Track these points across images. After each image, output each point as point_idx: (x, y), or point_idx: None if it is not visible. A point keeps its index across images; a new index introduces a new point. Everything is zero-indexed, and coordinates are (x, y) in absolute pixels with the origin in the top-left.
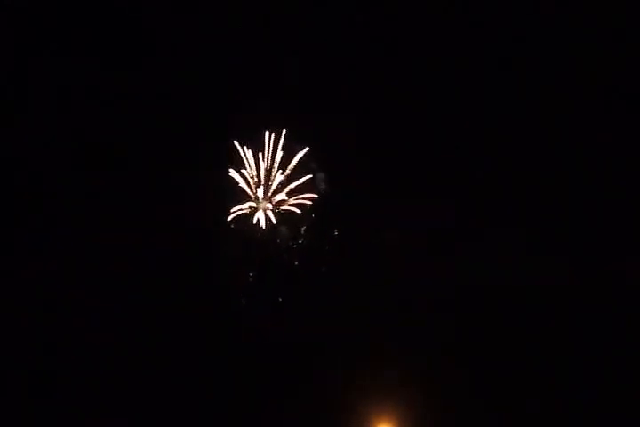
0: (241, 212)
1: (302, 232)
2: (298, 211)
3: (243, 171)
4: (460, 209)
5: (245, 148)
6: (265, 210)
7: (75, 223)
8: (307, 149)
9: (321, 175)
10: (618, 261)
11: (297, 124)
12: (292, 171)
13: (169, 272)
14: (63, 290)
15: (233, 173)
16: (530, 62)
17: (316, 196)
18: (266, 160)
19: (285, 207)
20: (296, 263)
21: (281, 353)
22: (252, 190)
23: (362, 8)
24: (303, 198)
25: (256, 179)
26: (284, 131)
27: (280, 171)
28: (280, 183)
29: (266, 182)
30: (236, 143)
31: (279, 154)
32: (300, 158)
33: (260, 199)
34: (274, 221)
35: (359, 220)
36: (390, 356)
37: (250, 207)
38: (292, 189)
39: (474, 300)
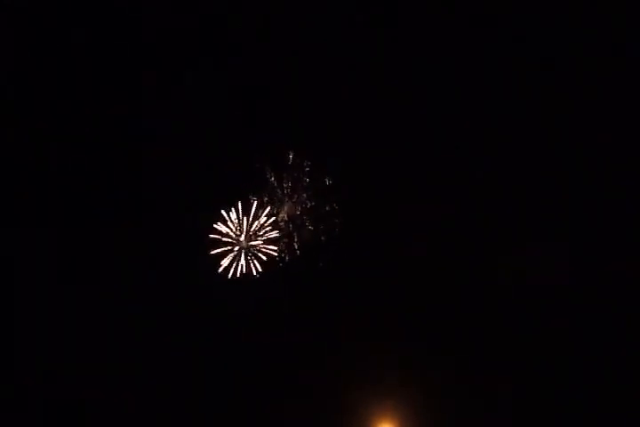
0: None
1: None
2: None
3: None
4: (459, 209)
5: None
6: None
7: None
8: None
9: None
10: (618, 261)
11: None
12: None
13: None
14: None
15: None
16: (530, 62)
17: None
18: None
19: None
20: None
21: (281, 353)
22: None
23: (362, 8)
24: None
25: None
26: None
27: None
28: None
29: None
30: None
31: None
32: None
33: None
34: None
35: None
36: (390, 356)
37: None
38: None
39: (474, 300)
